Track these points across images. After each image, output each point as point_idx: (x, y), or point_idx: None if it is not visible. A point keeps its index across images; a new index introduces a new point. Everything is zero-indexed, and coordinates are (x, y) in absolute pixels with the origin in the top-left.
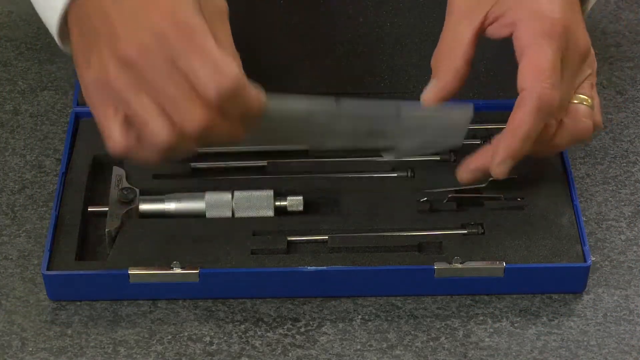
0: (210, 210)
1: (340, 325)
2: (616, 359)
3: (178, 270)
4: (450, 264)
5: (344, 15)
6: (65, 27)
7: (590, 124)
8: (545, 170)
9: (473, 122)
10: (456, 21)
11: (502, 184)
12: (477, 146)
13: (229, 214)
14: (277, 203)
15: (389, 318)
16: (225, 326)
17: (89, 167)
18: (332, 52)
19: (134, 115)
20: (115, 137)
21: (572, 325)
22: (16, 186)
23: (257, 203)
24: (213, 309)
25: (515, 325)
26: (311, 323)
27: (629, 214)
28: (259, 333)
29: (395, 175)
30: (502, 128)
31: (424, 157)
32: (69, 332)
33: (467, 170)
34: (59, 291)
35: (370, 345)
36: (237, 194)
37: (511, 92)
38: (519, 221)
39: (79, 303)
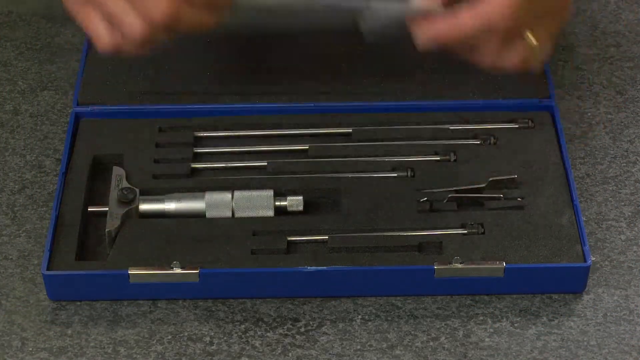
0: (210, 210)
1: (340, 325)
2: (616, 359)
3: (178, 270)
4: (450, 264)
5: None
6: None
7: (517, 60)
8: (545, 170)
9: (473, 122)
10: None
11: (502, 184)
12: (477, 146)
13: (229, 214)
14: (277, 203)
15: (389, 318)
16: (225, 326)
17: (89, 167)
18: (333, 52)
19: (111, 15)
20: (101, 35)
21: (572, 325)
22: (16, 186)
23: (257, 203)
24: (213, 309)
25: (515, 325)
26: (311, 323)
27: (629, 214)
28: (259, 333)
29: (395, 175)
30: (502, 128)
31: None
32: (69, 332)
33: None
34: (59, 291)
35: (370, 345)
36: (237, 194)
37: (511, 92)
38: (519, 221)
39: (79, 303)
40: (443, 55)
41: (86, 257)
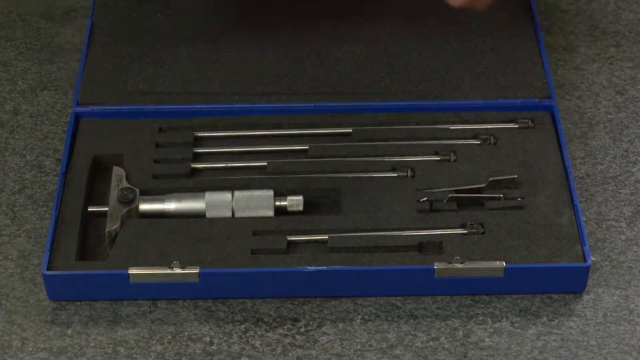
0: (210, 210)
1: (340, 325)
2: (616, 359)
3: (178, 270)
4: (450, 264)
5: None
6: None
7: None
8: (545, 170)
9: (473, 122)
10: None
11: (502, 184)
12: (477, 146)
13: (229, 214)
14: (277, 203)
15: (389, 318)
16: (225, 326)
17: (89, 167)
18: (333, 52)
19: None
20: None
21: (572, 325)
22: (16, 186)
23: (257, 203)
24: (213, 309)
25: (515, 325)
26: (311, 323)
27: (629, 214)
28: (259, 333)
29: (395, 175)
30: (502, 128)
31: (423, 157)
32: (69, 332)
33: None
34: (59, 291)
35: (370, 345)
36: (237, 194)
37: (511, 92)
38: (519, 221)
39: (79, 303)
40: (443, 56)
41: (86, 257)
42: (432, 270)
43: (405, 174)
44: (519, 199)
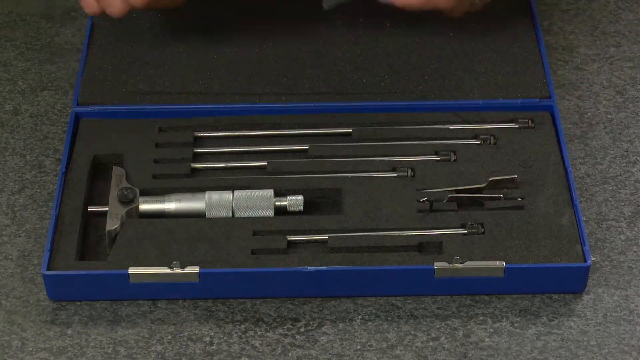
0: (210, 210)
1: (340, 325)
2: (616, 359)
3: (178, 270)
4: (450, 264)
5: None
6: None
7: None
8: (545, 170)
9: (473, 122)
10: None
11: (502, 184)
12: (477, 146)
13: (229, 214)
14: (277, 203)
15: (389, 318)
16: (225, 326)
17: (89, 167)
18: (333, 52)
19: None
20: (88, 2)
21: (572, 325)
22: (16, 186)
23: (257, 203)
24: (213, 309)
25: (515, 325)
26: (311, 323)
27: (629, 214)
28: (259, 333)
29: (395, 175)
30: (502, 128)
31: (423, 157)
32: (69, 332)
33: None
34: (59, 291)
35: (370, 345)
36: (237, 194)
37: (511, 92)
38: (519, 221)
39: (79, 303)
40: (443, 56)
41: (86, 257)
42: (432, 270)
43: (405, 174)
44: (519, 199)
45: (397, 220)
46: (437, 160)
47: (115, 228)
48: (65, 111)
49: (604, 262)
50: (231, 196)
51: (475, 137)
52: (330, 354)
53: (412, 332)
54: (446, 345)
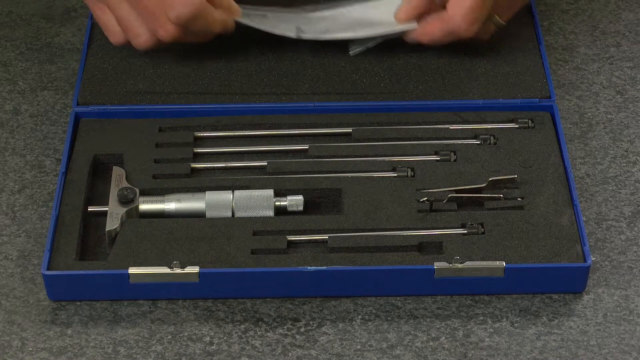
0: (210, 210)
1: (340, 325)
2: (616, 359)
3: (178, 270)
4: (450, 264)
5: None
6: None
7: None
8: (545, 170)
9: (473, 122)
10: None
11: (502, 184)
12: (477, 146)
13: (229, 214)
14: (277, 203)
15: (389, 318)
16: (225, 326)
17: (89, 167)
18: (333, 52)
19: (121, 19)
20: (113, 31)
21: (572, 325)
22: (16, 186)
23: (257, 203)
24: (213, 309)
25: (515, 325)
26: (311, 323)
27: (629, 214)
28: (259, 333)
29: (395, 175)
30: (502, 128)
31: (423, 157)
32: (69, 332)
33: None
34: (59, 291)
35: (370, 345)
36: (237, 194)
37: (511, 92)
38: (519, 221)
39: (79, 303)
40: (443, 56)
41: (86, 257)
42: (432, 270)
43: (405, 174)
44: (518, 199)
45: (397, 220)
46: (437, 160)
47: (115, 228)
48: (65, 111)
49: (604, 262)
50: (231, 196)
51: (475, 137)
52: (330, 354)
53: (412, 332)
54: (446, 345)
